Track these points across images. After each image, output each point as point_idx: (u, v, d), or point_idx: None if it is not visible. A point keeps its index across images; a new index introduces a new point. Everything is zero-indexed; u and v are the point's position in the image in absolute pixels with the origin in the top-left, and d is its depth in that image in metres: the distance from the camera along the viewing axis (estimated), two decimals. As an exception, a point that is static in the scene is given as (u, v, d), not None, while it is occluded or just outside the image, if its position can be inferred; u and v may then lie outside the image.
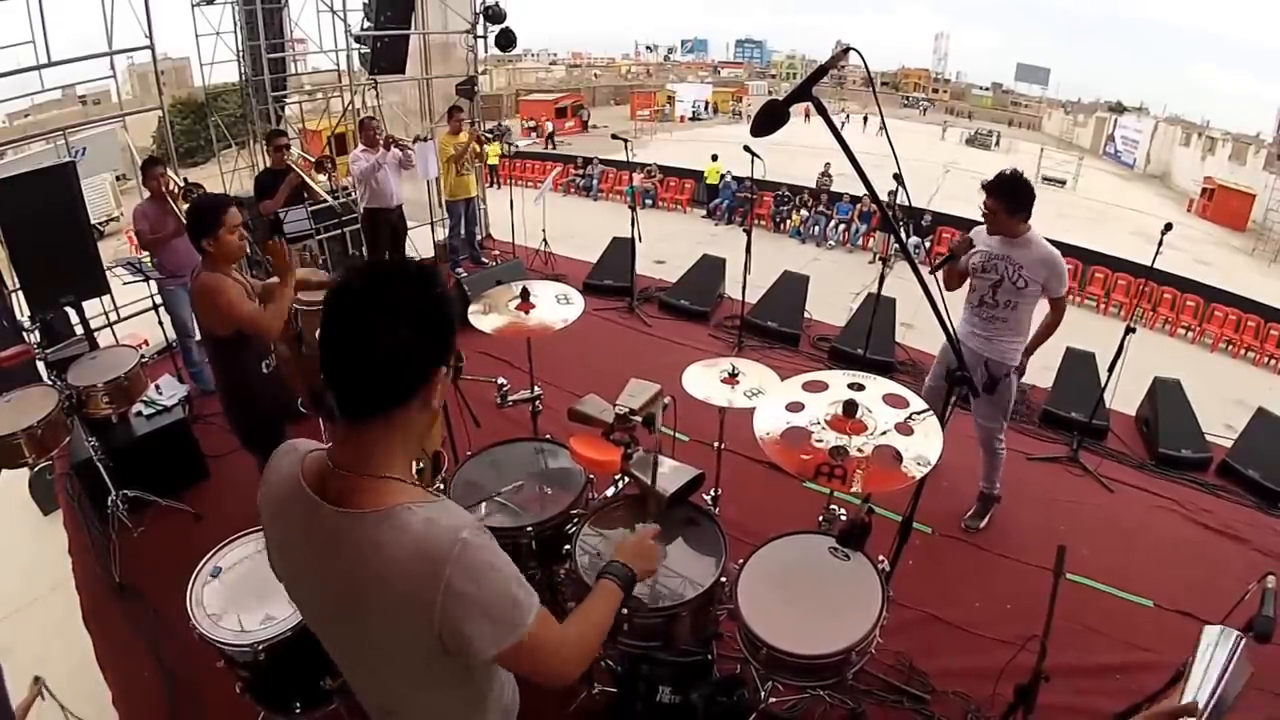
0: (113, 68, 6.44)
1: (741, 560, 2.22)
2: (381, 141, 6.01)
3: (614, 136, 6.57)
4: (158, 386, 4.02)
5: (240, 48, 7.82)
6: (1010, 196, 3.09)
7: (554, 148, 25.81)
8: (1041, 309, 3.29)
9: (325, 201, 5.29)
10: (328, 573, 1.03)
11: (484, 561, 1.00)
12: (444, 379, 1.03)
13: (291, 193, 5.12)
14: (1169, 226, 4.13)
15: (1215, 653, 1.41)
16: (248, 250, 2.74)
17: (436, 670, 1.08)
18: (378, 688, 1.17)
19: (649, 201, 16.46)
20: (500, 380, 2.89)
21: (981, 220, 3.27)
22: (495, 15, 7.78)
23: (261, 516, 1.15)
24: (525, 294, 3.16)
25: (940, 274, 3.39)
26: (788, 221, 14.96)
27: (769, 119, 1.43)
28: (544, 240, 7.93)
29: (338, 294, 0.98)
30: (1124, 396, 4.62)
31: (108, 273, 5.08)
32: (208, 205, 2.63)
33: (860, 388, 2.34)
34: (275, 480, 1.11)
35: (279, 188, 5.05)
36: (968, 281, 3.36)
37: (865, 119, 34.05)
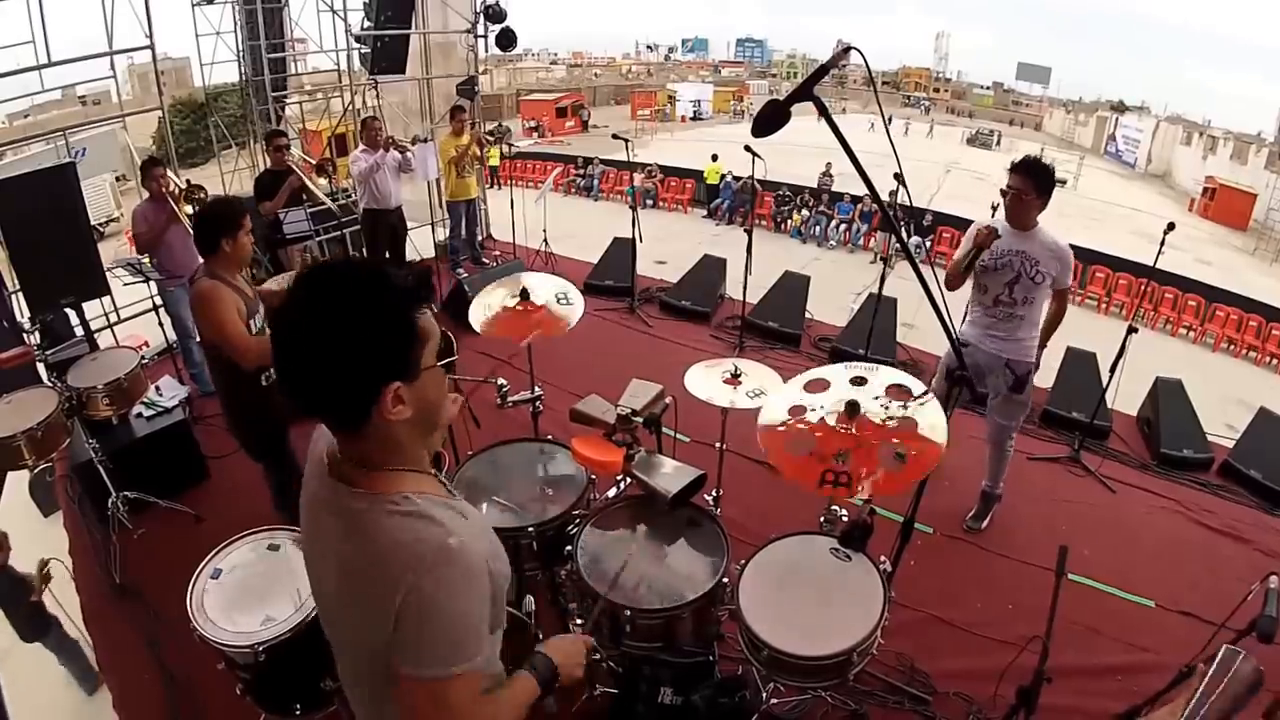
0: (113, 68, 6.44)
1: (743, 561, 2.21)
2: (383, 142, 6.00)
3: (615, 136, 6.56)
4: (158, 388, 4.02)
5: (240, 48, 7.82)
6: (1040, 175, 3.06)
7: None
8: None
9: (324, 204, 5.28)
10: (333, 551, 1.04)
11: (456, 582, 0.96)
12: (397, 398, 0.96)
13: (291, 195, 5.11)
14: (1171, 226, 4.12)
15: (1230, 680, 1.39)
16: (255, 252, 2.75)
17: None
18: (365, 691, 1.15)
19: (650, 202, 16.45)
20: (500, 381, 2.88)
21: (978, 220, 3.25)
22: (495, 15, 7.78)
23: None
24: (525, 294, 3.15)
25: (944, 272, 3.36)
26: (789, 222, 14.95)
27: (770, 119, 1.42)
28: (545, 241, 7.93)
29: (279, 308, 0.95)
30: (1125, 396, 4.61)
31: (108, 274, 5.08)
32: (230, 207, 2.65)
33: (862, 381, 2.31)
34: (312, 459, 1.14)
35: (280, 189, 5.04)
36: (970, 282, 3.32)
37: (890, 119, 34.62)
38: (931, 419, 2.07)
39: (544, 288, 3.19)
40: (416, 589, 0.93)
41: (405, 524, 0.97)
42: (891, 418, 2.11)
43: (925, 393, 2.17)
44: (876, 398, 2.19)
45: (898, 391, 2.19)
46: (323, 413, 0.99)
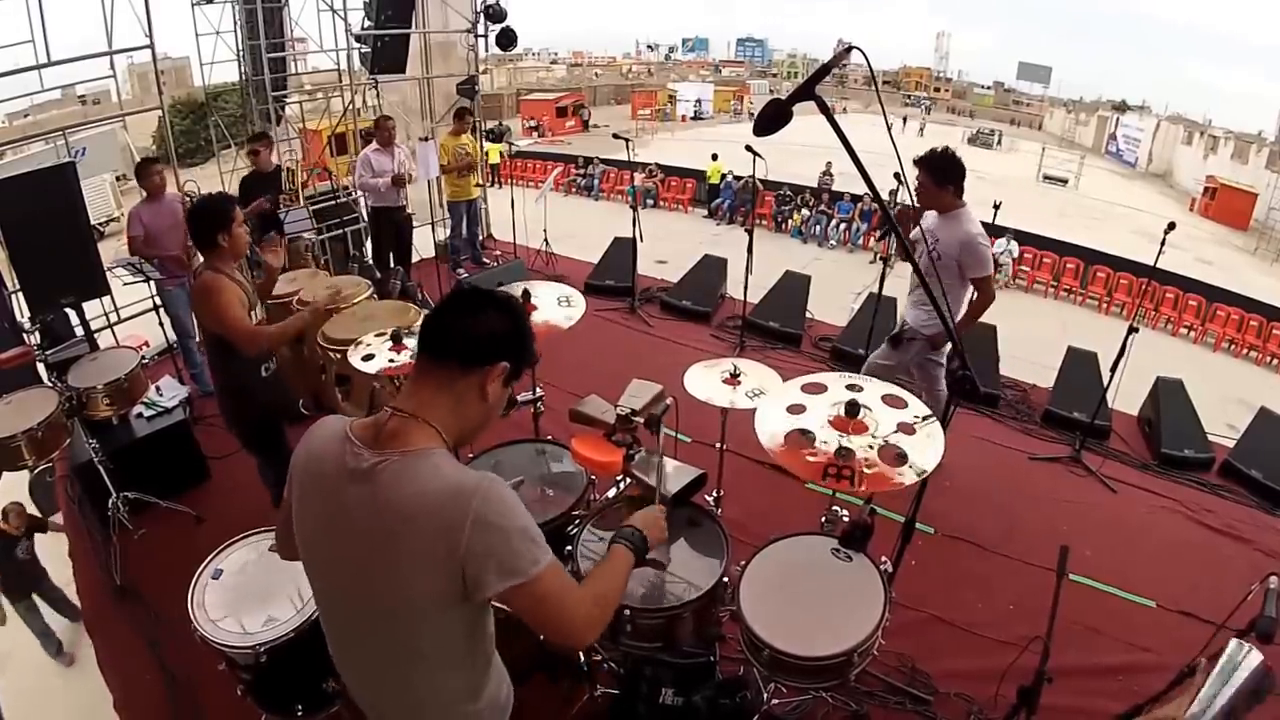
0: (113, 67, 6.43)
1: (744, 561, 2.21)
2: (395, 143, 6.00)
3: (615, 136, 6.55)
4: (158, 388, 4.02)
5: (240, 47, 7.80)
6: (934, 169, 3.27)
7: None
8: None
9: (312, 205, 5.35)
10: (361, 513, 1.12)
11: (509, 499, 1.13)
12: (501, 380, 1.21)
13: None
14: (1172, 226, 4.11)
15: (1237, 673, 1.39)
16: (250, 246, 2.78)
17: (446, 633, 1.17)
18: (379, 661, 1.22)
19: (650, 201, 16.43)
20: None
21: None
22: (496, 14, 7.78)
23: (293, 473, 1.26)
24: (526, 295, 3.14)
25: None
26: (789, 221, 14.94)
27: (773, 118, 1.42)
28: (545, 240, 7.93)
29: (463, 288, 1.24)
30: (1126, 396, 4.61)
31: (108, 273, 5.07)
32: (221, 203, 2.69)
33: (858, 389, 2.32)
34: (320, 435, 1.24)
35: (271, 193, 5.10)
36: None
37: (904, 120, 36.47)
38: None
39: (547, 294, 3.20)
40: (479, 516, 1.08)
41: (449, 472, 1.12)
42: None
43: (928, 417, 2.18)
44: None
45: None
46: (453, 339, 1.19)
